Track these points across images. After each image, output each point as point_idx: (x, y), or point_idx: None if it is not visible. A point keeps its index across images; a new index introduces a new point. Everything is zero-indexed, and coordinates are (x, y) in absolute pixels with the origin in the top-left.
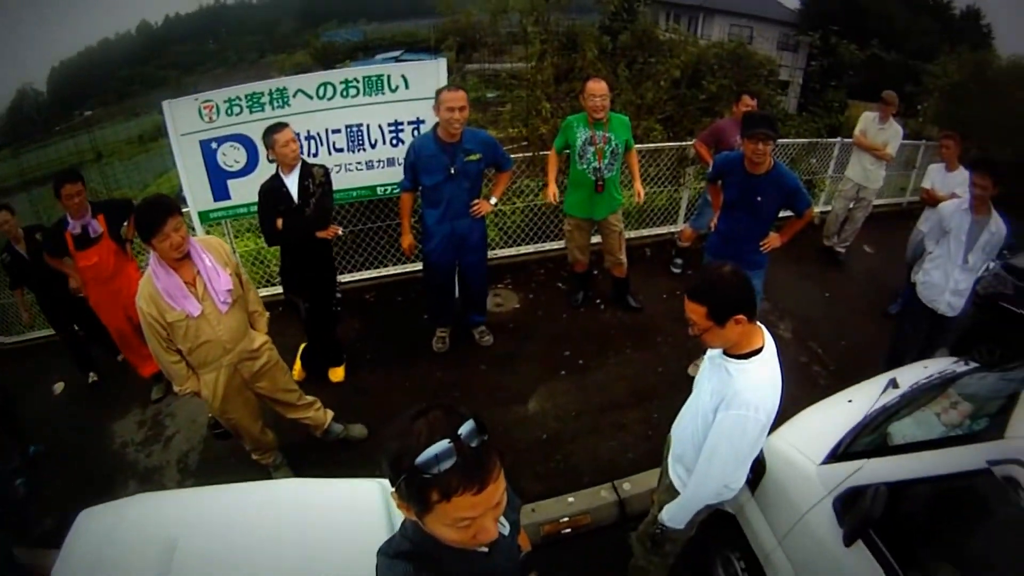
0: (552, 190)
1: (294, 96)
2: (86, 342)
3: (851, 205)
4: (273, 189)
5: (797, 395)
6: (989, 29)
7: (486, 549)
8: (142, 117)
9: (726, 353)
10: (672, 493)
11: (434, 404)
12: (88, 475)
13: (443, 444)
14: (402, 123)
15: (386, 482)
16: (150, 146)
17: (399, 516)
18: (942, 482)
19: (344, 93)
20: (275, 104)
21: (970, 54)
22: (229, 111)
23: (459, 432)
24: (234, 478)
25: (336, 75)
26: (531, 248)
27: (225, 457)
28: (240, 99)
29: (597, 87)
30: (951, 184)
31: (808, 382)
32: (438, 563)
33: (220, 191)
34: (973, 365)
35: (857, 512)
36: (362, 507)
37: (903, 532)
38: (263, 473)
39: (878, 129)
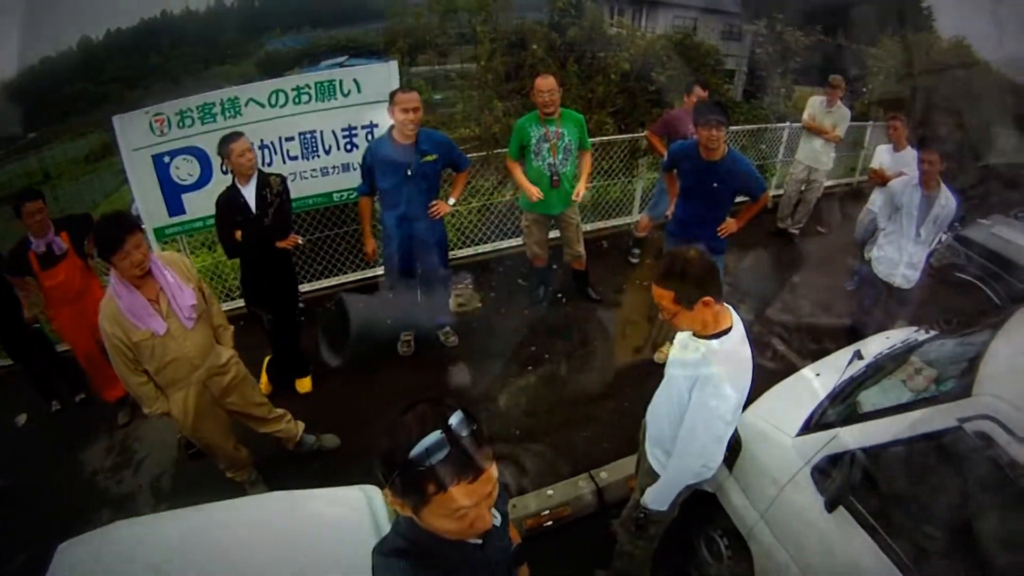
0: (533, 190)
1: (246, 105)
2: (46, 370)
3: (803, 187)
4: (230, 200)
5: (765, 373)
6: (930, 11)
7: (480, 541)
8: (88, 136)
9: (696, 335)
10: (652, 476)
11: (421, 399)
12: (59, 507)
13: (435, 436)
14: (355, 128)
15: (369, 488)
16: (97, 165)
17: (386, 522)
18: (916, 443)
19: (296, 100)
20: (227, 114)
21: (913, 36)
22: (181, 123)
23: (449, 423)
24: (210, 498)
25: (288, 82)
26: (489, 247)
27: (199, 478)
28: (192, 111)
29: (545, 83)
30: (899, 163)
31: (774, 360)
32: (434, 558)
33: (175, 206)
34: (933, 333)
35: (836, 479)
36: (348, 515)
37: (882, 495)
38: (239, 491)
39: (826, 112)
